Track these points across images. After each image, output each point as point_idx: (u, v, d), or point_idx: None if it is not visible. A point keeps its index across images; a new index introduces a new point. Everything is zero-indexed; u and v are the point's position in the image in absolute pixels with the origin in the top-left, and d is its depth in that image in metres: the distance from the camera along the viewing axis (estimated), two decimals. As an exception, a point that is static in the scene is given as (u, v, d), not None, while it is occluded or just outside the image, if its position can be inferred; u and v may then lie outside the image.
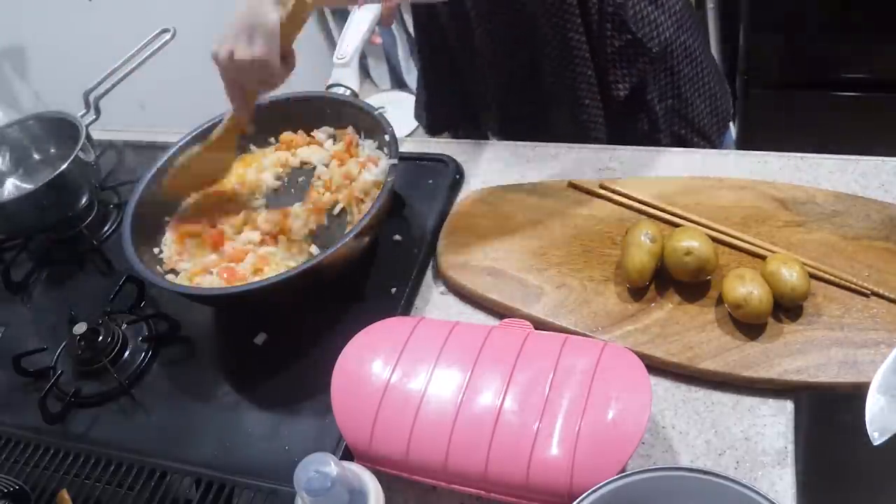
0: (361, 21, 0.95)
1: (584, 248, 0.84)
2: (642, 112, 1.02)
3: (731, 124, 1.11)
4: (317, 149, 0.96)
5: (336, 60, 0.94)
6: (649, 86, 1.00)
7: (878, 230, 0.78)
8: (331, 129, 0.98)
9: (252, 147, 0.99)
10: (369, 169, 0.91)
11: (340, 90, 0.97)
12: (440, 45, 1.08)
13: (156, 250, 0.90)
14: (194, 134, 0.95)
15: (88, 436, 0.81)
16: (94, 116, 1.07)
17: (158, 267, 0.87)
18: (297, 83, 1.07)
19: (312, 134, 0.98)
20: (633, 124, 1.03)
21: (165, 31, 1.09)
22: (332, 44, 2.58)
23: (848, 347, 0.69)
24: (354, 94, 0.94)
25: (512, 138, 1.03)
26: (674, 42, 0.99)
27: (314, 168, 0.95)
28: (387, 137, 0.88)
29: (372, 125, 0.92)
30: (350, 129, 0.96)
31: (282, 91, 0.99)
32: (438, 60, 1.11)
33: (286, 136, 0.98)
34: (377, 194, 0.84)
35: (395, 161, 0.85)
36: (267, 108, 0.96)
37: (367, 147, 0.94)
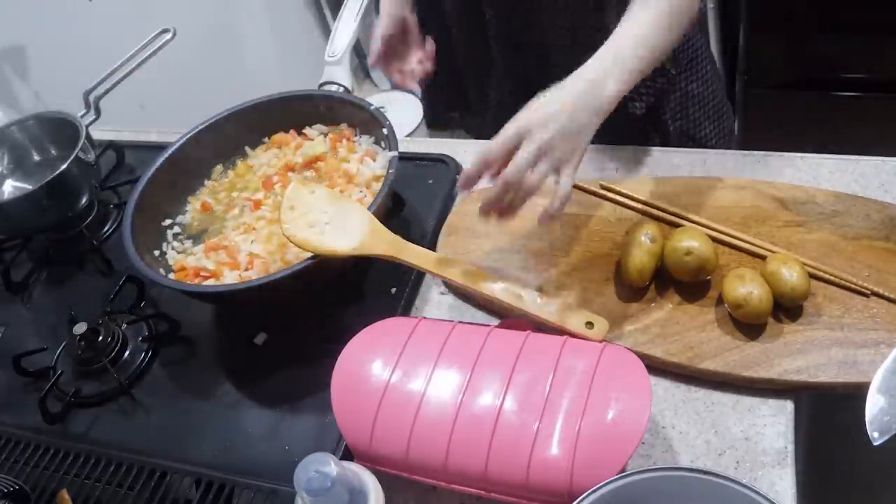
0: (351, 18, 0.95)
1: (585, 248, 0.84)
2: (656, 132, 1.01)
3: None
4: (310, 145, 0.97)
5: (327, 58, 0.94)
6: (664, 105, 0.99)
7: (878, 230, 0.78)
8: (323, 128, 0.98)
9: (246, 148, 1.00)
10: (367, 163, 0.91)
11: (333, 88, 0.97)
12: (445, 43, 1.07)
13: (156, 252, 0.90)
14: (193, 133, 0.95)
15: (88, 436, 0.81)
16: (94, 116, 1.07)
17: (161, 270, 0.87)
18: (290, 82, 1.07)
19: (304, 132, 0.98)
20: (645, 143, 1.03)
21: (165, 31, 1.09)
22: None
23: (848, 347, 0.69)
24: (347, 91, 0.94)
25: None
26: (688, 62, 0.98)
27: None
28: (384, 131, 0.88)
29: (368, 121, 0.92)
30: (344, 126, 0.96)
31: (274, 90, 0.99)
32: (440, 57, 1.11)
33: (277, 136, 0.98)
34: (377, 188, 0.84)
35: (395, 153, 0.85)
36: (260, 108, 0.96)
37: (364, 142, 0.94)
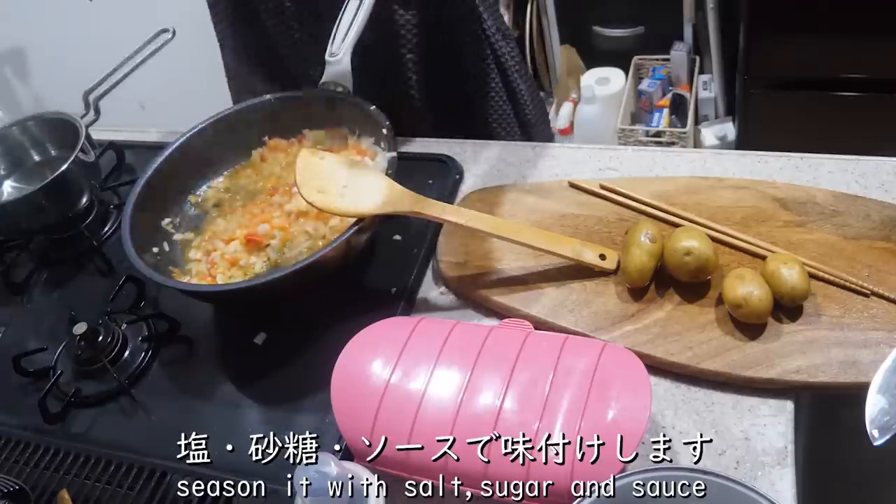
0: (351, 18, 0.95)
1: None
2: None
3: (731, 124, 1.12)
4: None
5: (328, 59, 0.94)
6: None
7: (878, 230, 0.78)
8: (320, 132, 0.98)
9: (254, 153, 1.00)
10: (366, 163, 0.91)
11: (333, 88, 0.97)
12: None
13: (155, 249, 0.90)
14: (193, 133, 0.95)
15: (88, 436, 0.81)
16: (94, 117, 1.07)
17: (162, 271, 0.87)
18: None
19: (303, 133, 0.98)
20: None
21: (165, 31, 1.09)
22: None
23: (848, 347, 0.69)
24: (348, 92, 0.94)
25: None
26: None
27: None
28: (384, 132, 0.88)
29: (367, 121, 0.92)
30: (345, 130, 0.96)
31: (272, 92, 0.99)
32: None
33: (274, 142, 0.98)
34: None
35: (394, 154, 0.85)
36: (260, 108, 0.96)
37: (364, 144, 0.94)
